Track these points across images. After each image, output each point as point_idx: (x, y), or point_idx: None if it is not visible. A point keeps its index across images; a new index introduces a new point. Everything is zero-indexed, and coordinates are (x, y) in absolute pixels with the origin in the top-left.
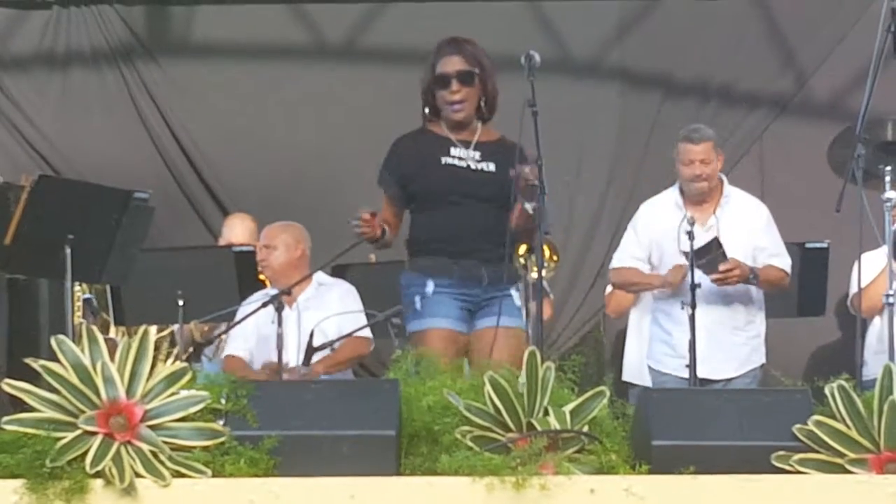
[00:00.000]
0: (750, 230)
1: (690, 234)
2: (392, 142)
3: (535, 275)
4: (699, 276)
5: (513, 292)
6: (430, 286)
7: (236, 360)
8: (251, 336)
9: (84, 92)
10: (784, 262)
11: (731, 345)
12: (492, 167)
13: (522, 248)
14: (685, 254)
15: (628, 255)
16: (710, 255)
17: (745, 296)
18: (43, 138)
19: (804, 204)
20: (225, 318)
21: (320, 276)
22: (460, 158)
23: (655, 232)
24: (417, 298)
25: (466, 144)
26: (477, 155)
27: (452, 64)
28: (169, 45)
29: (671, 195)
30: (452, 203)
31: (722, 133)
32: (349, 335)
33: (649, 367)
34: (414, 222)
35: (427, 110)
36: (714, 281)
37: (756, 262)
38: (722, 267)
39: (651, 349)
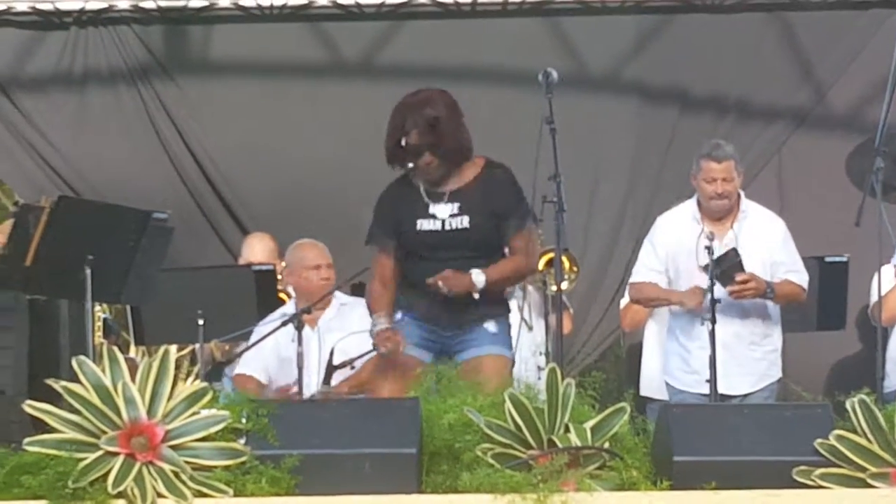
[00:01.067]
0: (767, 245)
1: (710, 249)
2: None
3: (554, 288)
4: (718, 291)
5: (486, 324)
6: (399, 314)
7: (248, 380)
8: (270, 357)
9: (102, 112)
10: (801, 277)
11: (749, 360)
12: (465, 222)
13: (542, 261)
14: (703, 268)
15: (646, 268)
16: (727, 264)
17: (761, 310)
18: (61, 159)
19: (823, 217)
20: (245, 336)
21: (341, 297)
22: (435, 218)
23: (672, 245)
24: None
25: (442, 197)
26: (454, 208)
27: (415, 137)
28: (187, 64)
29: (689, 208)
30: (423, 259)
31: (740, 147)
32: (368, 353)
33: (667, 384)
34: None
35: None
36: (731, 294)
37: (773, 277)
38: (738, 278)
39: (668, 365)
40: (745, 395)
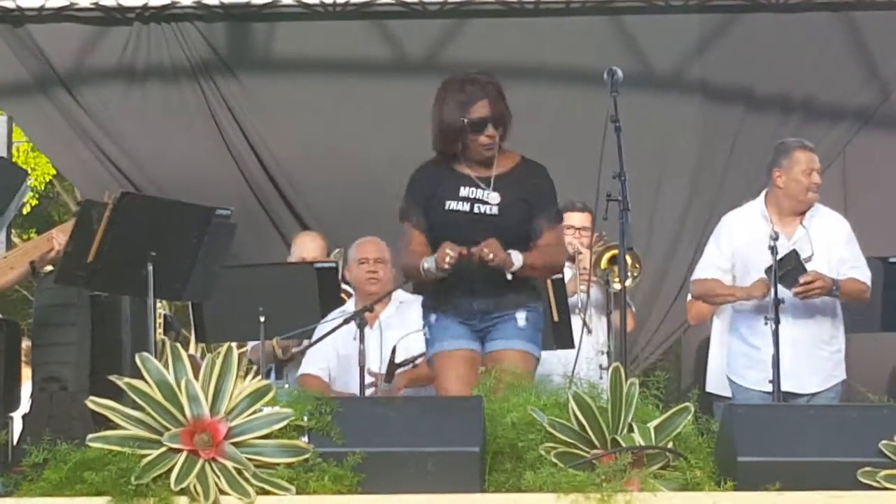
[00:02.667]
0: (833, 243)
1: (773, 249)
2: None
3: (617, 286)
4: (783, 291)
5: (517, 314)
6: (433, 317)
7: (313, 379)
8: (330, 355)
9: (164, 108)
10: (865, 274)
11: (817, 359)
12: (494, 210)
13: (605, 259)
14: (766, 270)
15: (711, 265)
16: (788, 267)
17: (830, 310)
18: (123, 155)
19: (888, 217)
20: (306, 334)
21: (401, 294)
22: (466, 200)
23: (739, 244)
24: (426, 329)
25: (484, 182)
26: (487, 194)
27: (484, 108)
28: (249, 62)
29: (757, 206)
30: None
31: None
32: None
33: (730, 381)
34: None
35: (446, 151)
36: (796, 294)
37: (837, 274)
38: (802, 279)
39: (733, 362)
40: (813, 395)
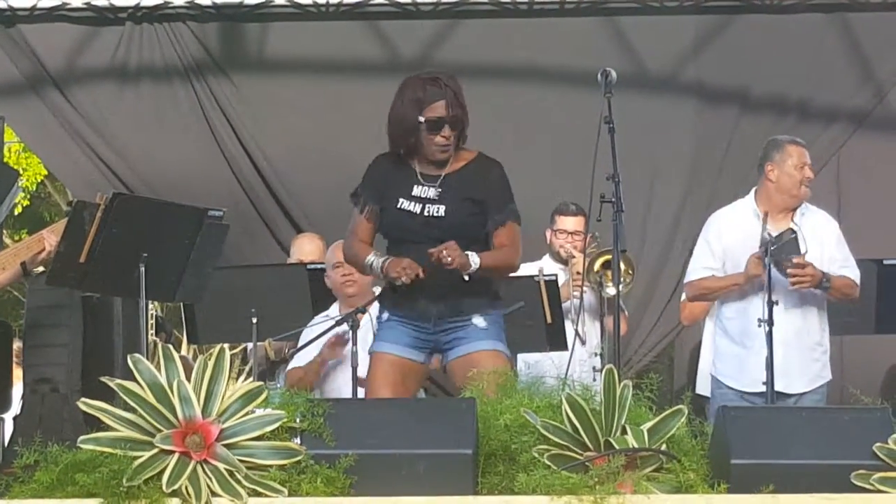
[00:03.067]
0: (824, 243)
1: (767, 247)
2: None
3: (611, 290)
4: (775, 293)
5: (474, 319)
6: (385, 314)
7: (298, 370)
8: (316, 350)
9: (156, 109)
10: (855, 273)
11: (807, 359)
12: (441, 211)
13: (598, 263)
14: (760, 254)
15: (702, 266)
16: (784, 240)
17: (818, 311)
18: (115, 155)
19: (882, 220)
20: (299, 336)
21: None
22: (418, 200)
23: (730, 242)
24: (375, 324)
25: (434, 180)
26: (433, 193)
27: (440, 109)
28: (242, 62)
29: (747, 204)
30: (405, 243)
31: None
32: None
33: (717, 381)
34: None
35: (398, 148)
36: (789, 277)
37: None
38: (795, 259)
39: (722, 365)
40: (801, 395)
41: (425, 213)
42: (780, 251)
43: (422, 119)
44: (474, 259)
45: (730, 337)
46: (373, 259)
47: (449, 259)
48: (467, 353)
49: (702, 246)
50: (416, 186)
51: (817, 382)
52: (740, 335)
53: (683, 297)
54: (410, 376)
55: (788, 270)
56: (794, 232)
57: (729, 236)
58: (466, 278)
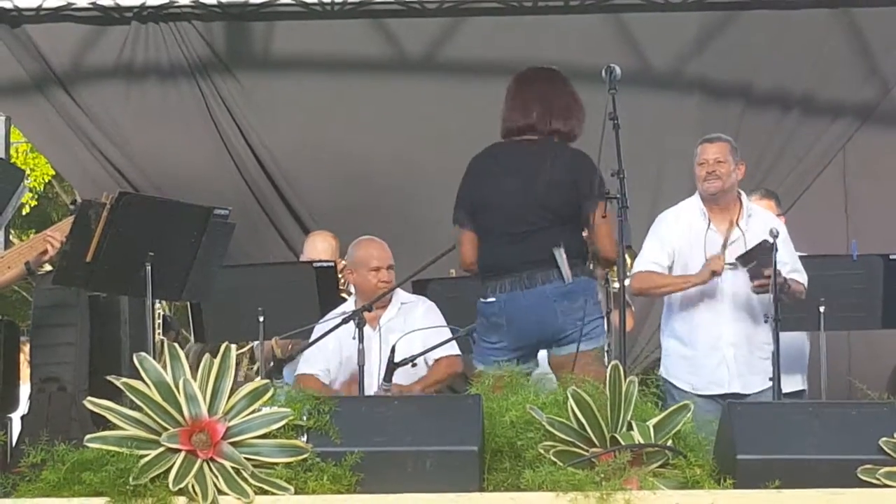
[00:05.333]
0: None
1: (773, 246)
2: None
3: (617, 285)
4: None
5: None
6: None
7: (311, 380)
8: (331, 356)
9: (162, 108)
10: (804, 277)
11: (757, 359)
12: None
13: None
14: (738, 259)
15: (650, 261)
16: (761, 256)
17: (760, 313)
18: (121, 154)
19: (888, 214)
20: (306, 334)
21: (402, 296)
22: None
23: (679, 239)
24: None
25: None
26: None
27: None
28: (248, 61)
29: (695, 203)
30: None
31: (804, 144)
32: (431, 349)
33: (669, 383)
34: None
35: None
36: (756, 286)
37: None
38: (766, 272)
39: (670, 365)
40: (758, 393)
41: None
42: (757, 266)
43: None
44: None
45: (678, 338)
46: None
47: None
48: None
49: (652, 241)
50: None
51: (767, 382)
52: (688, 337)
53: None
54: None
55: (757, 283)
56: (770, 245)
57: (678, 233)
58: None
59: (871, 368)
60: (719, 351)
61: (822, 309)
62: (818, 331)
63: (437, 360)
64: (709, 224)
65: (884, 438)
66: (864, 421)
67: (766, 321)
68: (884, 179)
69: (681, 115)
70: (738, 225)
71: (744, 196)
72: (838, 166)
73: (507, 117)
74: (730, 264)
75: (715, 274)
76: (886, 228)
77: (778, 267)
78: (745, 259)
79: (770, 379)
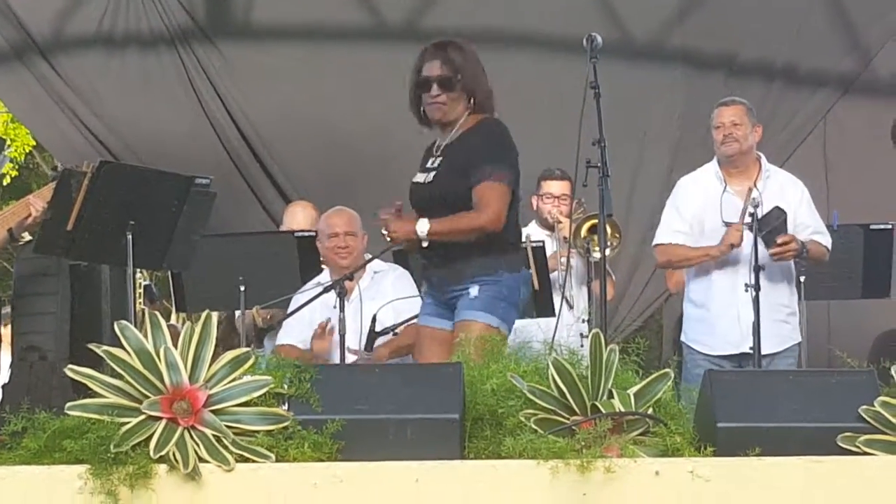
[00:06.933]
0: (790, 205)
1: (754, 215)
2: None
3: (597, 254)
4: (761, 257)
5: (470, 289)
6: (423, 286)
7: (290, 349)
8: (307, 327)
9: (143, 76)
10: (826, 239)
11: (775, 321)
12: (430, 177)
13: (585, 228)
14: (726, 224)
15: (672, 230)
16: (774, 223)
17: (787, 275)
18: (102, 123)
19: (868, 184)
20: (287, 303)
21: (375, 264)
22: (427, 170)
23: (696, 205)
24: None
25: (437, 150)
26: (437, 162)
27: (433, 69)
28: (228, 29)
29: (711, 168)
30: (420, 213)
31: (786, 114)
32: (408, 320)
33: (687, 347)
34: None
35: (418, 118)
36: (773, 254)
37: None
38: (779, 239)
39: (690, 328)
40: (772, 356)
41: (423, 183)
42: (770, 234)
43: (416, 79)
44: (422, 227)
45: (693, 302)
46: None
47: (385, 233)
48: (457, 320)
49: (670, 210)
50: (430, 158)
51: (787, 343)
52: (703, 299)
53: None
54: (439, 343)
55: (772, 251)
56: (783, 212)
57: (695, 200)
58: (425, 245)
59: (850, 338)
60: (734, 309)
61: (802, 279)
62: (799, 301)
63: (406, 326)
64: (725, 187)
65: (864, 406)
66: (845, 389)
67: (745, 290)
68: (864, 150)
69: (663, 85)
70: (755, 187)
71: (763, 158)
72: (819, 137)
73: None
74: (726, 223)
75: (733, 246)
76: (866, 199)
77: (799, 230)
78: (759, 226)
79: (788, 343)
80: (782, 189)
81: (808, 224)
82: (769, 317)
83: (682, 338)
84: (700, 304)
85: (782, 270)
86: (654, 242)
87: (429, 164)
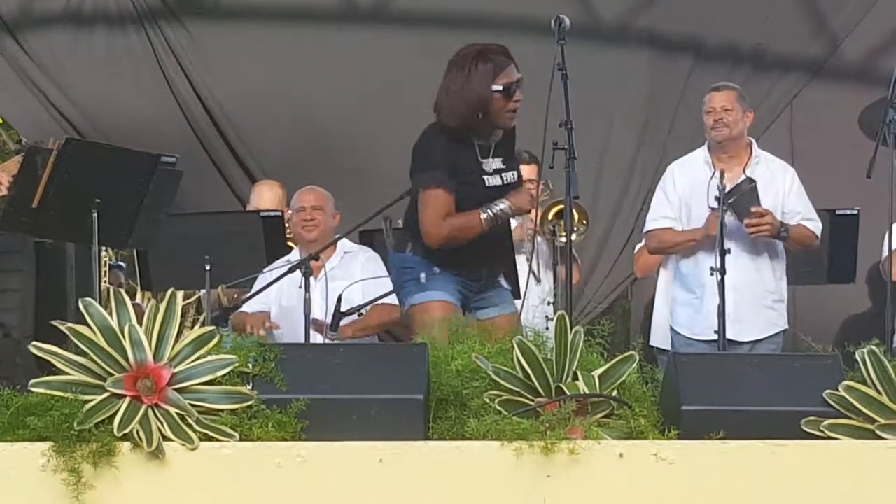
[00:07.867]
0: (779, 192)
1: (720, 187)
2: (422, 127)
3: (563, 239)
4: (730, 238)
5: (501, 280)
6: (435, 268)
7: (242, 315)
8: (272, 304)
9: (110, 55)
10: (816, 226)
11: (759, 307)
12: (514, 176)
13: (552, 213)
14: (713, 209)
15: (661, 216)
16: (741, 192)
17: (774, 260)
18: (68, 101)
19: (834, 170)
20: (252, 283)
21: (345, 245)
22: (495, 172)
23: (684, 190)
24: (423, 275)
25: (487, 151)
26: (500, 163)
27: (513, 73)
28: (196, 8)
29: (700, 153)
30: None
31: (753, 98)
32: (375, 301)
33: (674, 331)
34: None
35: (466, 123)
36: (747, 227)
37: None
38: (754, 209)
39: (676, 314)
40: (754, 342)
41: (504, 183)
42: (738, 202)
43: (497, 87)
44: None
45: (684, 286)
46: (494, 206)
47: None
48: (500, 314)
49: (660, 195)
50: (484, 161)
51: (771, 330)
52: (693, 284)
53: (637, 247)
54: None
55: (747, 221)
56: (752, 181)
57: (682, 184)
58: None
59: (815, 323)
60: (722, 299)
61: None
62: None
63: (373, 307)
64: (713, 172)
65: (828, 391)
66: (809, 373)
67: (711, 274)
68: (830, 135)
69: (630, 68)
70: (744, 172)
71: (755, 143)
72: (785, 122)
73: None
74: (712, 208)
75: (708, 236)
76: (832, 184)
77: (789, 216)
78: (727, 196)
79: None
80: (773, 175)
81: (797, 210)
82: (754, 303)
83: (671, 322)
84: (688, 288)
85: (769, 255)
86: (645, 229)
87: (494, 167)
